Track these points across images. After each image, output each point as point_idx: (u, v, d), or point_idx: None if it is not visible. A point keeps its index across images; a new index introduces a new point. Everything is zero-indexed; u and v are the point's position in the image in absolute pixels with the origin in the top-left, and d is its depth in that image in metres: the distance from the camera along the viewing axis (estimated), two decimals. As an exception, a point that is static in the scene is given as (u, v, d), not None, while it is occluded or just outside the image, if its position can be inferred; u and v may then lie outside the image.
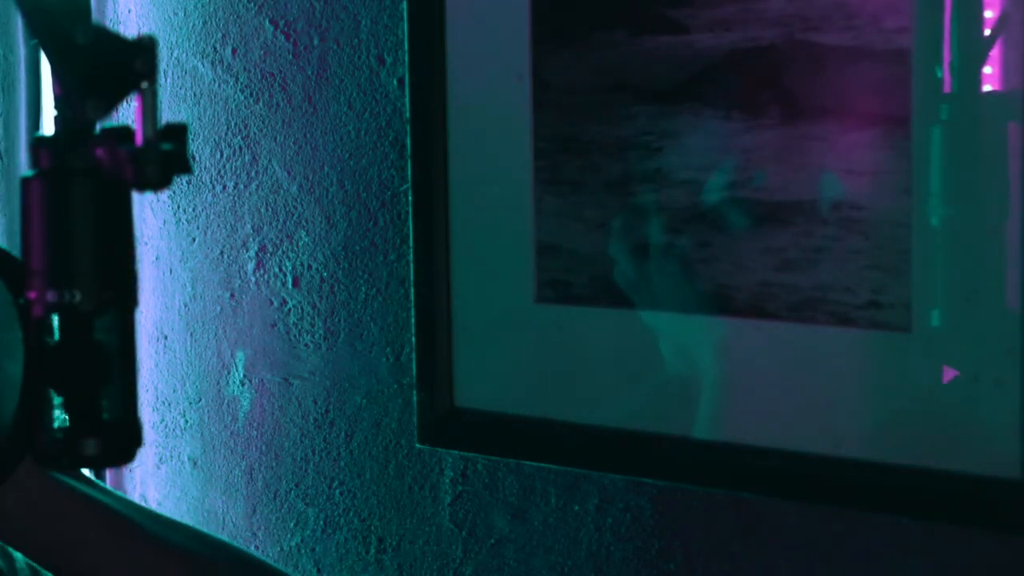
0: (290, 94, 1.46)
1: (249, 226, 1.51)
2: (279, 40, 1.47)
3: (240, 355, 1.53)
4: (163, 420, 1.60)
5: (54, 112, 0.61)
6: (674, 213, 1.20)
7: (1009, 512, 1.06)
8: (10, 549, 0.95)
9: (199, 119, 1.53)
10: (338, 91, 1.43)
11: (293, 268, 1.48)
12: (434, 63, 1.32)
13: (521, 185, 1.28)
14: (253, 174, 1.50)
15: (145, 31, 1.56)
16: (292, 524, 1.50)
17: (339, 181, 1.44)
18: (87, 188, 0.61)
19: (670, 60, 1.19)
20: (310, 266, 1.47)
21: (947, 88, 1.07)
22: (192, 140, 1.54)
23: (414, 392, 1.38)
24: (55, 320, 0.61)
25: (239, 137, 1.51)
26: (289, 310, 1.49)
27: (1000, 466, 1.06)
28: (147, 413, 1.62)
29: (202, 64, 1.53)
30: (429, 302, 1.35)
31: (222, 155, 1.52)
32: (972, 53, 1.06)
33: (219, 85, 1.52)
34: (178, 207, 1.57)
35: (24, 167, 1.66)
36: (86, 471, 1.02)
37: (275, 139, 1.48)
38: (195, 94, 1.54)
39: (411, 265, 1.36)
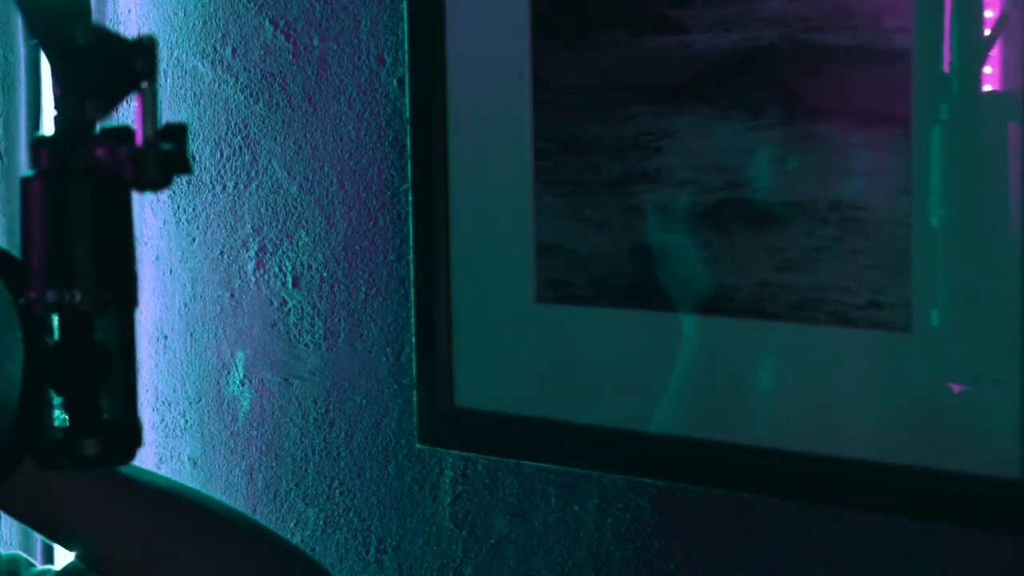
0: (290, 94, 1.46)
1: (249, 226, 1.51)
2: (279, 40, 1.47)
3: (240, 355, 1.53)
4: (163, 420, 1.60)
5: (54, 112, 0.61)
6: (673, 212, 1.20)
7: (1009, 512, 1.06)
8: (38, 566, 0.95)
9: (199, 119, 1.53)
10: (338, 91, 1.43)
11: (293, 268, 1.48)
12: (434, 63, 1.32)
13: (521, 185, 1.28)
14: (253, 174, 1.50)
15: (145, 31, 1.56)
16: (292, 524, 1.50)
17: (339, 181, 1.44)
18: (87, 188, 0.61)
19: (670, 60, 1.19)
20: (310, 266, 1.47)
21: (947, 88, 1.07)
22: (192, 140, 1.54)
23: (414, 392, 1.38)
24: (55, 320, 0.61)
25: (239, 137, 1.51)
26: (289, 310, 1.49)
27: (1000, 466, 1.06)
28: (147, 413, 1.62)
29: (202, 64, 1.53)
30: (429, 302, 1.35)
31: (222, 155, 1.52)
32: (972, 53, 1.06)
33: (219, 85, 1.52)
34: (178, 207, 1.57)
35: (24, 167, 1.66)
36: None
37: (275, 139, 1.48)
38: (195, 94, 1.54)
39: (411, 265, 1.36)
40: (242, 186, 1.51)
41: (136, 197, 0.63)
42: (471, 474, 1.37)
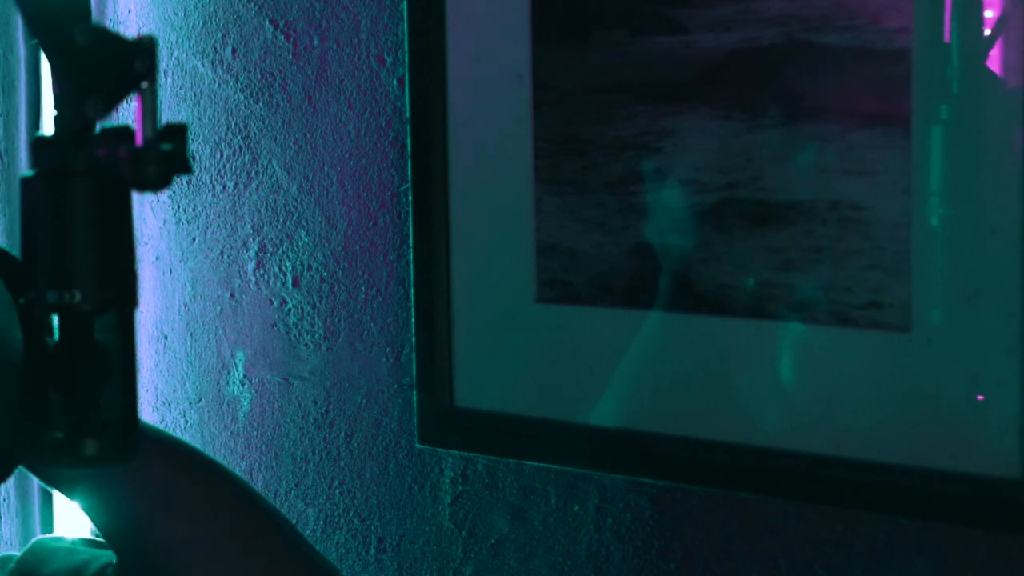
0: (290, 94, 1.46)
1: (249, 226, 1.51)
2: (279, 40, 1.47)
3: (240, 355, 1.53)
4: (163, 420, 1.60)
5: (54, 112, 0.61)
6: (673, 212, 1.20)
7: (1009, 512, 1.06)
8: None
9: (199, 119, 1.53)
10: (338, 91, 1.43)
11: (293, 268, 1.48)
12: (434, 63, 1.32)
13: (521, 185, 1.28)
14: (253, 174, 1.50)
15: (145, 31, 1.56)
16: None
17: (339, 181, 1.44)
18: (87, 188, 0.61)
19: (670, 60, 1.19)
20: (310, 266, 1.47)
21: (947, 88, 1.07)
22: (192, 140, 1.54)
23: (414, 392, 1.38)
24: (55, 320, 0.61)
25: (239, 137, 1.51)
26: (289, 310, 1.49)
27: (1000, 466, 1.06)
28: (147, 413, 1.62)
29: (202, 64, 1.53)
30: (429, 302, 1.35)
31: (222, 155, 1.52)
32: (972, 53, 1.06)
33: (219, 85, 1.52)
34: (178, 207, 1.57)
35: (24, 167, 1.66)
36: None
37: (275, 139, 1.48)
38: (195, 94, 1.54)
39: (411, 265, 1.36)
40: (242, 186, 1.51)
41: (136, 197, 0.63)
42: (471, 474, 1.37)
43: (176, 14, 1.55)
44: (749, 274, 1.17)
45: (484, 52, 1.30)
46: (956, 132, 1.07)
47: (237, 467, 1.54)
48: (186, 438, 1.58)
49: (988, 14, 1.05)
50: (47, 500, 1.67)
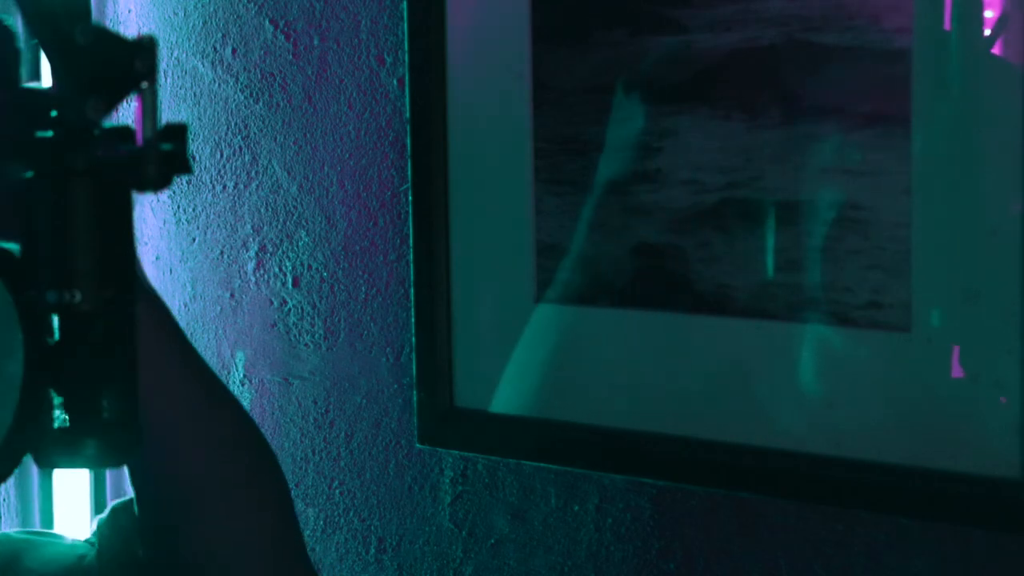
0: (290, 94, 1.46)
1: (249, 226, 1.51)
2: (279, 40, 1.47)
3: (240, 355, 1.53)
4: (163, 420, 1.60)
5: (54, 113, 0.61)
6: (673, 213, 1.20)
7: (1009, 512, 1.06)
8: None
9: (199, 119, 1.53)
10: (338, 91, 1.43)
11: (293, 268, 1.48)
12: (434, 63, 1.32)
13: (521, 185, 1.28)
14: (253, 174, 1.50)
15: (145, 31, 1.55)
16: (292, 524, 1.50)
17: (339, 181, 1.44)
18: (87, 188, 0.61)
19: (670, 60, 1.19)
20: (310, 266, 1.47)
21: (947, 88, 1.07)
22: (192, 140, 1.54)
23: (414, 392, 1.37)
24: (55, 320, 0.61)
25: (239, 137, 1.51)
26: (289, 310, 1.49)
27: (1000, 466, 1.06)
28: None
29: (202, 64, 1.53)
30: (429, 302, 1.35)
31: (222, 155, 1.52)
32: (972, 53, 1.06)
33: (219, 85, 1.52)
34: (178, 207, 1.57)
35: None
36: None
37: (275, 139, 1.48)
38: (195, 94, 1.54)
39: (411, 265, 1.36)
40: (242, 186, 1.51)
41: (136, 197, 0.63)
42: (471, 474, 1.37)
43: (176, 14, 1.55)
44: (749, 274, 1.16)
45: (484, 52, 1.30)
46: (956, 132, 1.07)
47: (237, 467, 1.54)
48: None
49: (988, 14, 1.05)
50: (47, 500, 1.67)
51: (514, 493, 1.34)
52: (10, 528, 1.68)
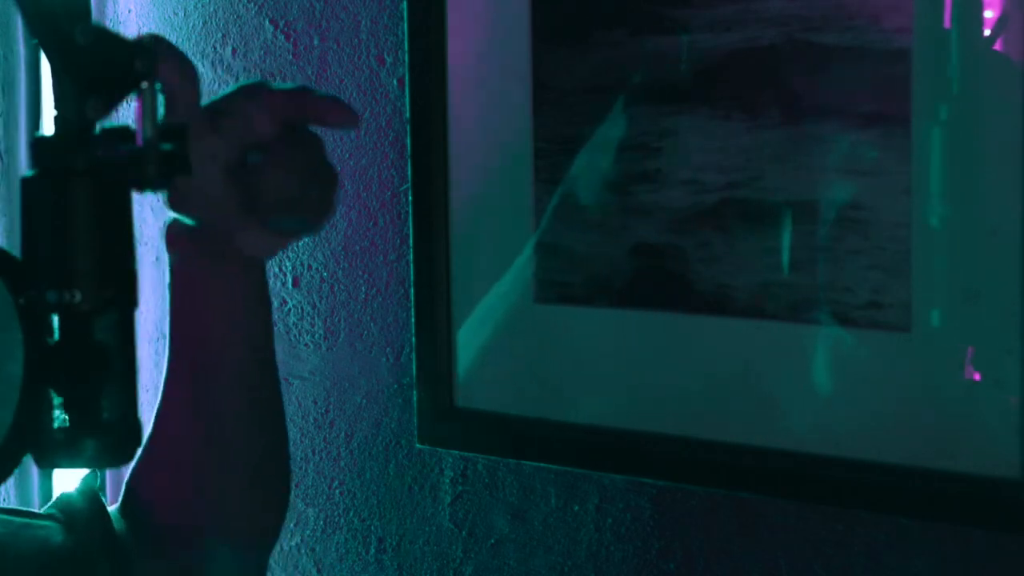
0: (290, 94, 1.46)
1: (249, 226, 1.50)
2: (279, 40, 1.47)
3: (240, 355, 1.53)
4: (163, 420, 1.60)
5: (54, 112, 0.61)
6: (673, 213, 1.20)
7: (1009, 512, 1.06)
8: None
9: (199, 119, 1.53)
10: (338, 91, 1.43)
11: (293, 268, 1.48)
12: (434, 63, 1.32)
13: (522, 185, 1.28)
14: (253, 174, 1.50)
15: (145, 31, 1.55)
16: (292, 524, 1.50)
17: (339, 181, 1.44)
18: (87, 188, 0.61)
19: (670, 60, 1.19)
20: (310, 266, 1.47)
21: (947, 88, 1.07)
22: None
23: (414, 392, 1.38)
24: (55, 320, 0.61)
25: (239, 137, 1.51)
26: (289, 310, 1.49)
27: (1000, 466, 1.06)
28: (147, 413, 1.62)
29: (202, 64, 1.53)
30: (429, 302, 1.35)
31: (222, 155, 1.52)
32: (972, 53, 1.06)
33: (219, 85, 1.52)
34: (178, 207, 1.56)
35: (24, 167, 1.66)
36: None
37: (275, 139, 1.48)
38: (195, 94, 1.54)
39: (411, 265, 1.36)
40: (242, 186, 1.51)
41: (136, 197, 0.63)
42: (471, 474, 1.37)
43: (176, 14, 1.55)
44: (749, 274, 1.16)
45: (484, 52, 1.30)
46: (956, 132, 1.07)
47: (237, 467, 1.54)
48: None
49: (988, 14, 1.05)
50: (47, 500, 1.67)
51: (514, 493, 1.34)
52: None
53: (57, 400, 0.61)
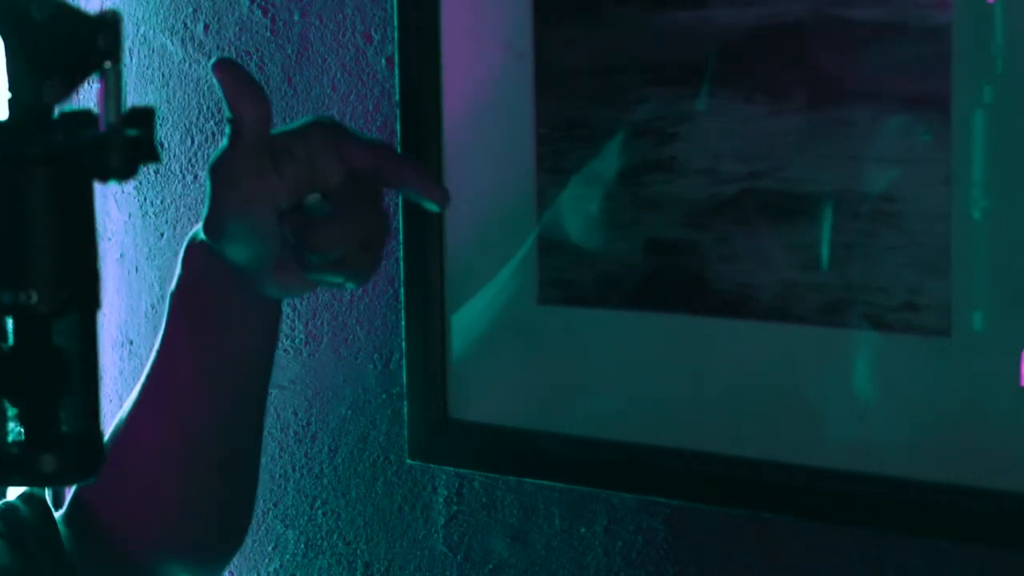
0: (268, 75, 1.46)
1: (223, 220, 1.51)
2: (256, 15, 1.47)
3: (213, 362, 1.53)
4: (128, 433, 1.60)
5: (8, 95, 0.61)
6: (689, 205, 1.20)
7: (1059, 534, 1.06)
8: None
9: (168, 102, 1.53)
10: (321, 71, 1.43)
11: (271, 266, 1.48)
12: (426, 40, 1.32)
13: (522, 175, 1.29)
14: (227, 163, 1.50)
15: (108, 5, 1.56)
16: (270, 548, 1.50)
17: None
18: (45, 178, 0.61)
19: (686, 37, 1.19)
20: (290, 264, 1.47)
21: (991, 67, 1.07)
22: (160, 126, 1.54)
23: (404, 402, 1.38)
24: (9, 323, 0.61)
25: (212, 122, 1.51)
26: (267, 312, 1.49)
27: (1049, 484, 1.06)
28: (110, 425, 1.62)
29: (171, 42, 1.53)
30: (420, 304, 1.35)
31: (193, 142, 1.52)
32: (1019, 29, 1.06)
33: (190, 65, 1.52)
34: (145, 199, 1.57)
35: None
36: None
37: (251, 124, 1.48)
38: (163, 75, 1.54)
39: (400, 263, 1.36)
40: (215, 176, 1.51)
41: (99, 188, 0.63)
42: (467, 492, 1.37)
43: (142, -13, 1.55)
44: (773, 272, 1.17)
45: (481, 28, 1.30)
46: (1000, 116, 1.07)
47: (209, 485, 1.54)
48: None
49: (1036, -13, 1.06)
50: None
51: (514, 514, 1.34)
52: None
53: (11, 411, 0.61)
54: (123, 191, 1.58)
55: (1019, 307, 1.07)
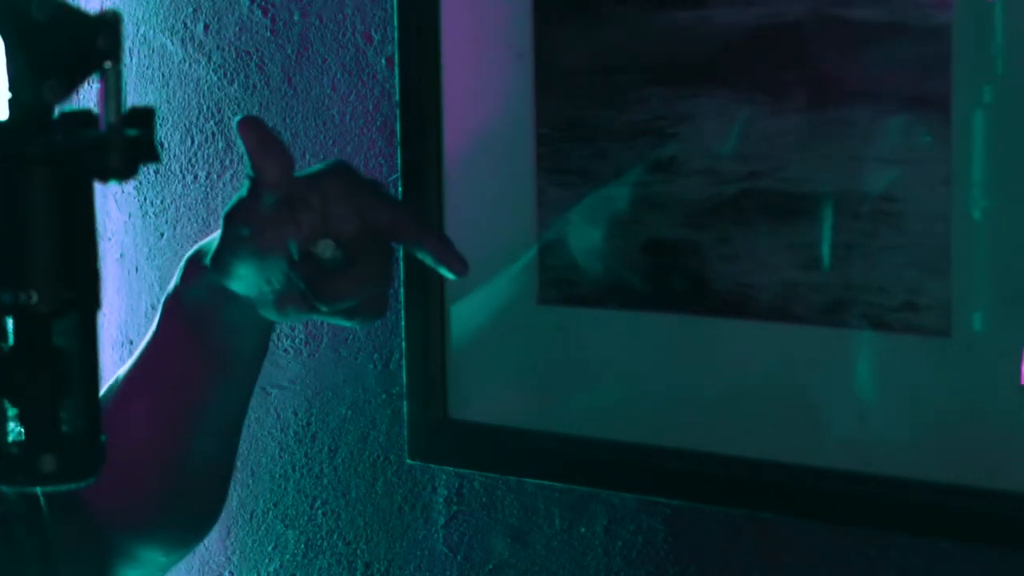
0: (268, 75, 1.46)
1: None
2: (256, 15, 1.47)
3: (213, 362, 1.53)
4: (128, 433, 1.60)
5: (8, 94, 0.61)
6: (689, 205, 1.20)
7: (1059, 535, 1.06)
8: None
9: (168, 102, 1.53)
10: (320, 71, 1.43)
11: (271, 266, 1.48)
12: (426, 40, 1.32)
13: (522, 175, 1.28)
14: (227, 163, 1.50)
15: (108, 5, 1.56)
16: (270, 548, 1.50)
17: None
18: (45, 178, 0.61)
19: (686, 37, 1.19)
20: (290, 264, 1.47)
21: (991, 68, 1.07)
22: (160, 125, 1.54)
23: (404, 402, 1.38)
24: (9, 323, 0.61)
25: (212, 122, 1.51)
26: (267, 312, 1.49)
27: (1049, 484, 1.06)
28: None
29: (171, 42, 1.53)
30: (421, 303, 1.35)
31: (193, 142, 1.52)
32: (1019, 29, 1.06)
33: (190, 65, 1.52)
34: (145, 199, 1.57)
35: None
36: None
37: (251, 124, 1.48)
38: (163, 75, 1.54)
39: (400, 263, 1.36)
40: (215, 176, 1.51)
41: (99, 188, 0.63)
42: (467, 493, 1.37)
43: (142, -13, 1.55)
44: (772, 272, 1.17)
45: (481, 28, 1.30)
46: (1000, 116, 1.07)
47: (209, 485, 1.54)
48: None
49: (1036, -13, 1.05)
50: None
51: (514, 514, 1.34)
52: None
53: (11, 411, 0.61)
54: (123, 191, 1.58)
55: (1019, 307, 1.07)
